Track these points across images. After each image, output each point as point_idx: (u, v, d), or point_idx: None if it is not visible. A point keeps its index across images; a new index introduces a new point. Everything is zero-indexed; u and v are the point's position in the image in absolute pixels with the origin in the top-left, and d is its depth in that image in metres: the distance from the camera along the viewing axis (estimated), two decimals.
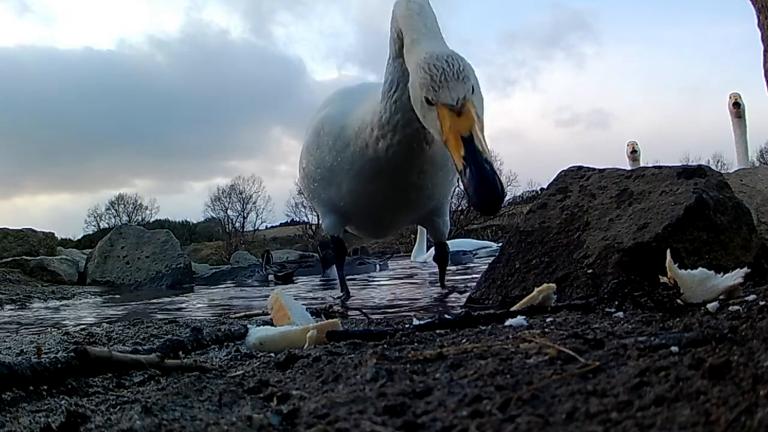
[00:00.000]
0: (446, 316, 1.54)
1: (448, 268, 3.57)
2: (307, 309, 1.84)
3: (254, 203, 32.58)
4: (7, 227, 7.44)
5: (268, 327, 1.64)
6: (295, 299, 1.81)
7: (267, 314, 2.52)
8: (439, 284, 3.53)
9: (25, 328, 2.56)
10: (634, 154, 7.87)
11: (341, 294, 3.41)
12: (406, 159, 2.48)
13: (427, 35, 1.99)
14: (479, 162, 1.70)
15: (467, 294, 2.57)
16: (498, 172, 1.74)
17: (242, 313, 2.61)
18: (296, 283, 5.33)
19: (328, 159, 2.78)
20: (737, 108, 6.98)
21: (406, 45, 2.05)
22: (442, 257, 3.41)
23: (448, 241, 3.45)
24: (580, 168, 2.54)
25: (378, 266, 6.86)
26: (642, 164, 7.50)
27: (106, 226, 28.81)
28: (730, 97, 6.94)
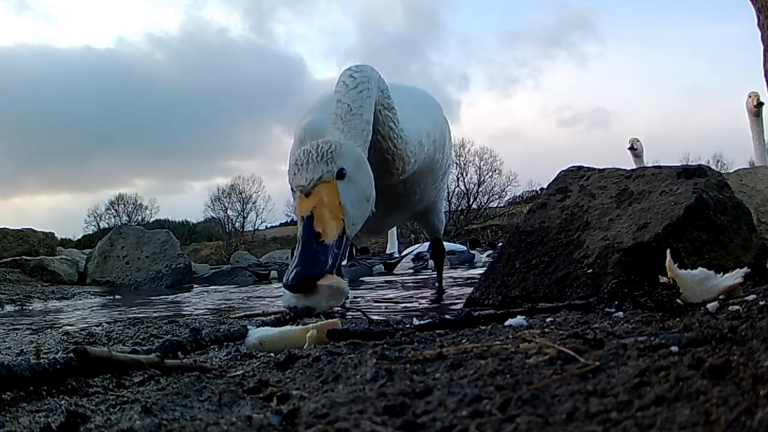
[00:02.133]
0: (446, 316, 1.54)
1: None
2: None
3: (254, 203, 32.60)
4: (7, 227, 7.45)
5: (268, 327, 1.64)
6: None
7: (267, 314, 2.52)
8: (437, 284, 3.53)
9: (25, 328, 2.56)
10: (634, 150, 7.83)
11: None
12: (387, 170, 2.38)
13: (343, 127, 1.94)
14: (308, 239, 1.57)
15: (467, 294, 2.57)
16: (331, 254, 1.57)
17: (242, 313, 2.61)
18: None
19: None
20: (760, 107, 6.71)
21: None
22: (438, 253, 3.41)
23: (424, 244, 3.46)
24: (580, 168, 2.54)
25: (382, 266, 6.97)
26: (644, 162, 7.46)
27: (106, 226, 28.82)
28: (751, 96, 6.69)
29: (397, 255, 8.24)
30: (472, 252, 8.86)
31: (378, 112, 2.11)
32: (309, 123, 2.81)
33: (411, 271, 6.94)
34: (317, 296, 1.48)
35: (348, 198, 1.69)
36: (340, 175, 1.68)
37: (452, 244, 9.32)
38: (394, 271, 6.87)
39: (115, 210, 32.56)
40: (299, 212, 1.64)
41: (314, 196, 1.64)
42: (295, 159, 1.71)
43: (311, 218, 1.60)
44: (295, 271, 1.50)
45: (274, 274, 6.44)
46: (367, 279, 5.47)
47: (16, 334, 2.30)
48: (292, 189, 1.73)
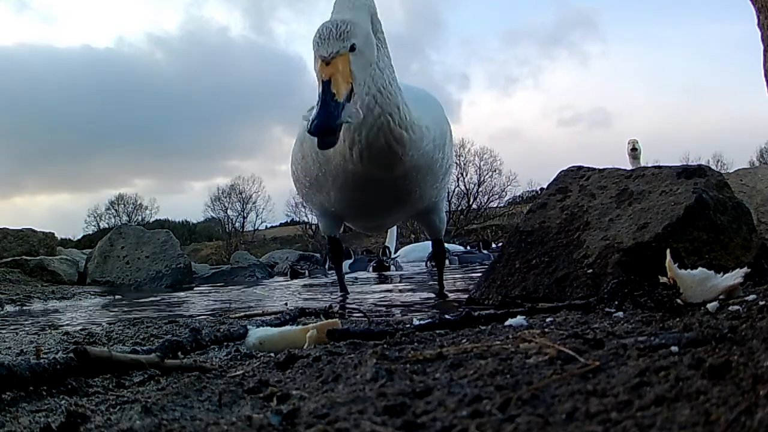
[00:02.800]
0: (446, 316, 1.55)
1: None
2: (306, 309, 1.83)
3: (254, 203, 32.59)
4: (7, 227, 7.44)
5: (268, 327, 1.64)
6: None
7: (267, 314, 2.52)
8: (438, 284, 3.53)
9: (25, 328, 2.56)
10: (634, 152, 7.83)
11: (341, 294, 3.42)
12: (386, 169, 2.52)
13: (347, 5, 2.31)
14: (326, 98, 2.01)
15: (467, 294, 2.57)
16: (343, 110, 2.00)
17: (242, 313, 2.61)
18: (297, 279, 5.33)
19: (314, 169, 2.81)
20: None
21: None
22: (439, 254, 3.42)
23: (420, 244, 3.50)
24: (580, 168, 2.55)
25: (371, 267, 7.07)
26: (642, 163, 7.48)
27: (106, 226, 28.79)
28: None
29: (391, 250, 8.47)
30: (485, 252, 8.89)
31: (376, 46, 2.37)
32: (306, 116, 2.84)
33: (424, 269, 7.00)
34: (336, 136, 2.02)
35: (357, 66, 2.12)
36: (352, 48, 2.11)
37: (453, 244, 9.41)
38: (394, 272, 6.87)
39: (115, 210, 32.56)
40: (321, 75, 2.06)
41: (332, 65, 2.07)
42: (319, 33, 2.11)
43: (329, 82, 2.03)
44: (317, 121, 1.96)
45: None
46: (368, 278, 5.47)
47: (16, 334, 2.30)
48: (315, 56, 2.11)
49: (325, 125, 1.96)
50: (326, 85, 2.03)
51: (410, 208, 3.00)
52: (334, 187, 2.77)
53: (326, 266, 6.91)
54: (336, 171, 2.66)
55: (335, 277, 3.68)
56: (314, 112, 1.99)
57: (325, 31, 2.10)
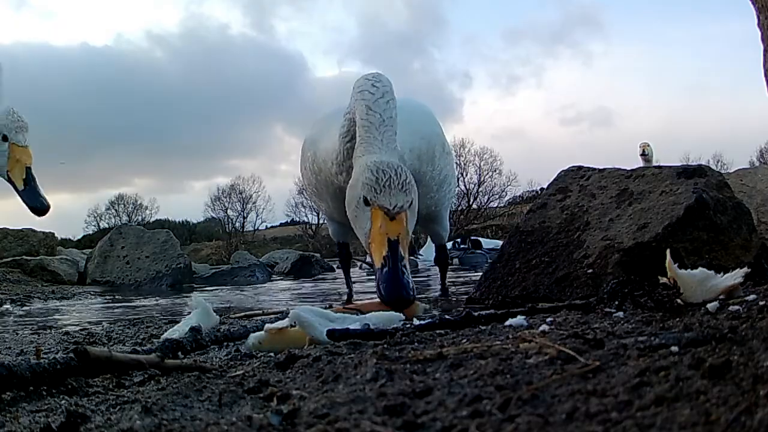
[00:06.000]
0: (446, 316, 1.54)
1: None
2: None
3: (254, 203, 32.57)
4: (7, 227, 7.45)
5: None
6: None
7: (267, 314, 2.52)
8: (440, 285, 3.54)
9: (25, 328, 2.56)
10: (644, 156, 7.79)
11: (346, 291, 3.46)
12: None
13: (380, 137, 2.08)
14: (398, 265, 1.84)
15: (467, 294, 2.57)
16: (409, 281, 1.86)
17: (242, 314, 2.61)
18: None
19: (312, 179, 2.85)
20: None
21: (360, 135, 2.13)
22: (442, 259, 3.44)
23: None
24: (580, 168, 2.55)
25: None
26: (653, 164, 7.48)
27: (106, 226, 28.75)
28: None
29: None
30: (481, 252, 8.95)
31: None
32: (308, 138, 2.90)
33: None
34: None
35: (410, 224, 1.99)
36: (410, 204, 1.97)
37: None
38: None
39: (115, 210, 32.53)
40: (387, 234, 1.89)
41: (398, 222, 1.91)
42: (377, 178, 1.92)
43: (398, 242, 1.88)
44: (394, 293, 1.82)
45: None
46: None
47: (16, 334, 2.30)
48: (365, 200, 1.96)
49: (402, 298, 1.81)
50: (395, 245, 1.86)
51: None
52: (328, 196, 2.81)
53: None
54: (326, 183, 2.69)
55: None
56: (383, 275, 1.83)
57: (386, 176, 1.91)
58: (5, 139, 2.31)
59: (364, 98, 2.14)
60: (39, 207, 2.23)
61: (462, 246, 9.38)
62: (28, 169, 2.27)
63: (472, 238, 10.47)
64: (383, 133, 2.08)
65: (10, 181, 2.43)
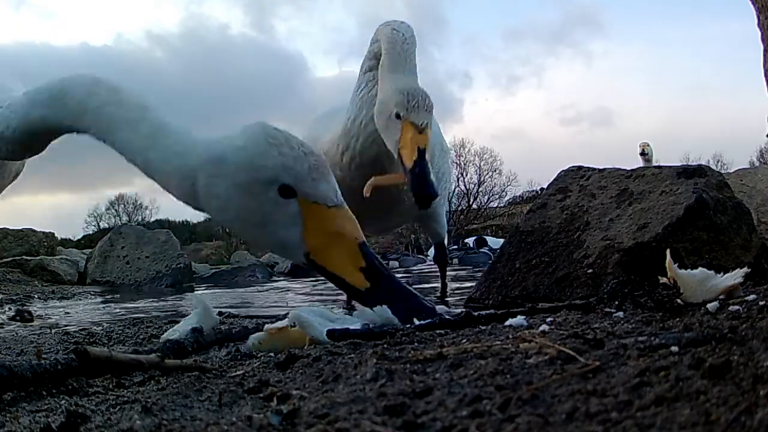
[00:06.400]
0: (446, 316, 1.54)
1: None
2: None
3: None
4: (7, 227, 7.45)
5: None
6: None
7: (267, 315, 2.52)
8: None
9: (25, 328, 2.56)
10: (644, 155, 7.78)
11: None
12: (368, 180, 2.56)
13: (407, 67, 2.38)
14: (425, 168, 2.16)
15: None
16: (433, 182, 2.18)
17: (242, 314, 2.61)
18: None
19: None
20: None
21: (386, 65, 2.39)
22: (441, 257, 3.45)
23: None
24: (580, 168, 2.55)
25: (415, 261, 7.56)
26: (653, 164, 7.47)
27: (106, 226, 28.77)
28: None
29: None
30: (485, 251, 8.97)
31: None
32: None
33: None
34: None
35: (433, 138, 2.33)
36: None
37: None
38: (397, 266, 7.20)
39: (115, 210, 32.54)
40: (413, 142, 2.19)
41: (425, 135, 2.22)
42: (408, 98, 2.21)
43: (425, 151, 2.18)
44: (421, 192, 2.12)
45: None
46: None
47: (16, 334, 2.30)
48: (397, 115, 2.22)
49: (429, 194, 2.13)
50: (423, 152, 2.19)
51: (404, 216, 3.05)
52: None
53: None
54: None
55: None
56: (415, 175, 2.14)
57: (415, 98, 2.23)
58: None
59: (389, 24, 2.46)
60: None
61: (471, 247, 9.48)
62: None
63: (477, 237, 10.54)
64: (407, 52, 2.39)
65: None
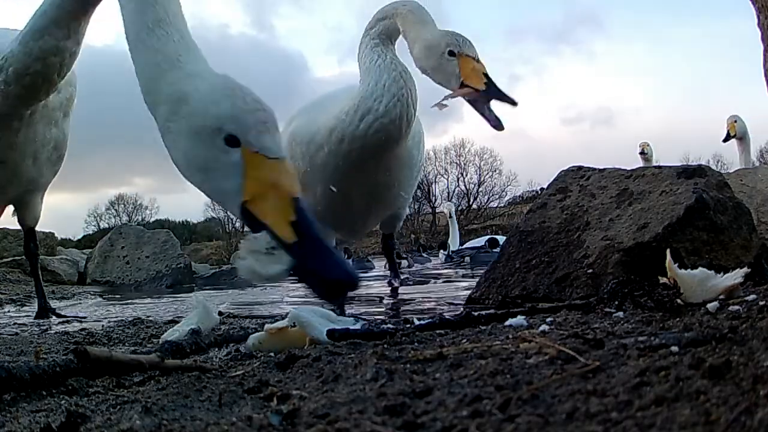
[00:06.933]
0: (446, 316, 1.55)
1: None
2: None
3: None
4: (7, 227, 7.44)
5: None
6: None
7: (267, 315, 2.52)
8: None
9: (24, 328, 2.56)
10: (644, 155, 7.77)
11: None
12: (386, 144, 2.68)
13: (428, 13, 2.67)
14: (497, 88, 2.46)
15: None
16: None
17: (242, 314, 2.61)
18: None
19: (302, 166, 2.90)
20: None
21: (415, 21, 2.65)
22: (390, 246, 3.69)
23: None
24: (580, 168, 2.54)
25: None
26: (654, 163, 7.42)
27: (106, 226, 28.75)
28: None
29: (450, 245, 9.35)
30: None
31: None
32: (296, 127, 3.08)
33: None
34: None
35: None
36: None
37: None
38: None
39: (115, 210, 32.53)
40: (477, 71, 2.48)
41: (482, 64, 2.51)
42: (455, 36, 2.52)
43: (489, 76, 2.48)
44: (505, 98, 2.44)
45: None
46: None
47: (16, 334, 2.30)
48: (450, 53, 2.51)
49: (514, 101, 2.47)
50: (489, 77, 2.48)
51: (388, 205, 3.18)
52: (323, 178, 2.85)
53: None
54: (327, 158, 2.76)
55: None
56: (489, 96, 2.45)
57: (461, 36, 2.55)
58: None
59: (395, 3, 2.73)
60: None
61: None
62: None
63: (489, 237, 10.59)
64: (426, 13, 2.68)
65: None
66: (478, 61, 2.53)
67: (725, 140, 6.85)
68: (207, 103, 1.37)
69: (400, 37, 2.75)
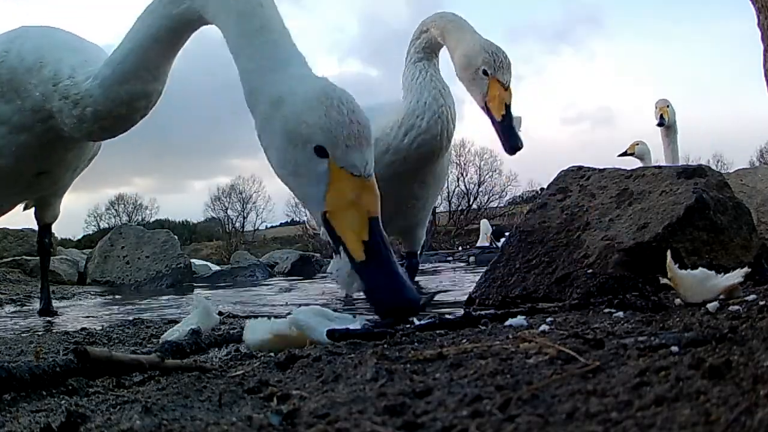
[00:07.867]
0: (446, 316, 1.54)
1: None
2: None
3: (254, 203, 32.58)
4: (7, 227, 7.44)
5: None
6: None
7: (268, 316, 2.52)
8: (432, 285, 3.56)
9: (24, 328, 2.56)
10: (632, 155, 7.76)
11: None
12: (426, 159, 2.83)
13: (472, 29, 2.72)
14: (512, 121, 2.53)
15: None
16: (518, 134, 2.59)
17: (242, 314, 2.61)
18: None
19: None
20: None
21: (455, 29, 2.74)
22: (412, 268, 3.45)
23: None
24: (580, 168, 2.54)
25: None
26: (653, 162, 7.32)
27: (106, 226, 28.73)
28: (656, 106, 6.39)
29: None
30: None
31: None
32: None
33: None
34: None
35: None
36: None
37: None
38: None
39: (115, 210, 32.53)
40: (505, 100, 2.55)
41: (509, 92, 2.57)
42: (502, 60, 2.56)
43: (510, 107, 2.55)
44: (512, 143, 2.55)
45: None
46: None
47: (16, 334, 2.30)
48: (484, 72, 2.58)
49: (517, 146, 2.56)
50: (508, 109, 2.55)
51: (410, 217, 3.18)
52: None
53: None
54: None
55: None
56: (503, 127, 2.54)
57: (506, 59, 2.58)
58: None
59: (434, 16, 2.84)
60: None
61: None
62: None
63: (494, 228, 10.50)
64: (465, 21, 2.76)
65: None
66: (506, 88, 2.57)
67: (660, 125, 6.29)
68: (302, 108, 1.39)
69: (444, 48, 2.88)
